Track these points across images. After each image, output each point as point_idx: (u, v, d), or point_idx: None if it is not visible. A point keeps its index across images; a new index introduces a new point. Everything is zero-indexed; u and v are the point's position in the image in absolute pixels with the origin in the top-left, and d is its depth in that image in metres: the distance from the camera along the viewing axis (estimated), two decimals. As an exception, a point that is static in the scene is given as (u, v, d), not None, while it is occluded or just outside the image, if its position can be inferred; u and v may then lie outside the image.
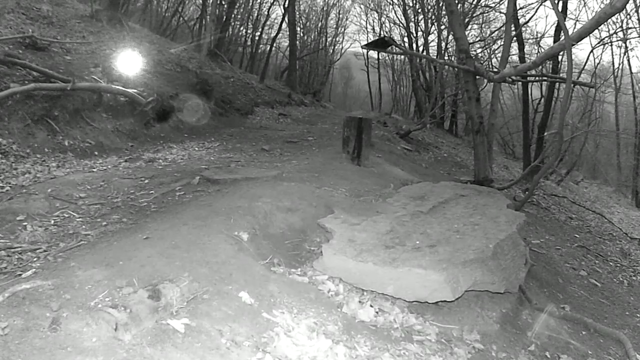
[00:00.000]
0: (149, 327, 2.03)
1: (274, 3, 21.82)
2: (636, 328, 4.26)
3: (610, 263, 6.55)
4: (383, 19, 23.37)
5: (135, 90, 7.73)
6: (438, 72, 16.54)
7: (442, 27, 17.44)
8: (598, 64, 17.33)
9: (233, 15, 19.39)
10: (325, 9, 25.59)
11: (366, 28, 25.54)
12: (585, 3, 14.79)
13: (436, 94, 15.25)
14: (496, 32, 16.07)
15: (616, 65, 17.71)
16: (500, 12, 14.68)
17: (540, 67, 12.78)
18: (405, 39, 20.66)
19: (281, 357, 2.07)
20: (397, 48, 9.37)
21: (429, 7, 18.64)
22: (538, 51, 15.21)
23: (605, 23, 12.99)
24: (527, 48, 15.27)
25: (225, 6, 17.90)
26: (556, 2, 10.24)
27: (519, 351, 2.87)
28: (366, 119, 6.09)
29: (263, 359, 2.03)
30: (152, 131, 7.83)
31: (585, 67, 16.63)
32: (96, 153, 6.42)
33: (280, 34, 21.57)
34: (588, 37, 8.10)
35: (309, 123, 11.94)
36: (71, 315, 2.03)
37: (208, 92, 10.22)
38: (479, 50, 16.67)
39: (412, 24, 20.21)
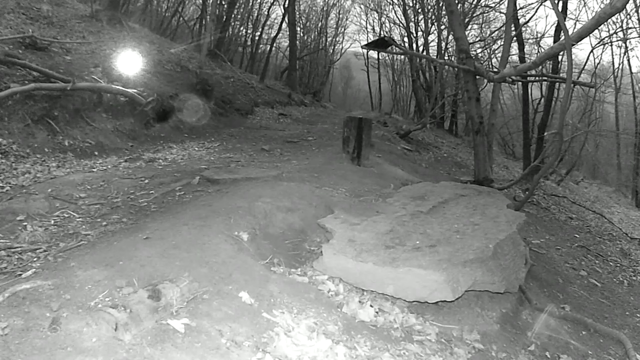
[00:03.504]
0: (149, 327, 2.03)
1: (274, 3, 21.86)
2: (636, 328, 4.26)
3: (610, 263, 6.54)
4: (383, 19, 23.39)
5: (135, 90, 7.73)
6: (438, 72, 16.54)
7: (442, 27, 17.44)
8: (598, 64, 17.34)
9: (233, 15, 19.39)
10: (325, 9, 25.61)
11: (366, 28, 25.57)
12: (585, 3, 14.79)
13: (436, 94, 15.25)
14: (496, 32, 16.08)
15: (616, 65, 17.73)
16: (500, 12, 14.69)
17: (540, 67, 12.77)
18: (405, 39, 20.67)
19: (281, 357, 2.07)
20: (397, 48, 9.37)
21: (429, 7, 18.64)
22: (538, 51, 15.21)
23: (605, 23, 12.99)
24: (527, 48, 15.28)
25: (225, 6, 17.91)
26: (556, 2, 10.24)
27: (519, 351, 2.87)
28: (366, 119, 6.09)
29: (263, 359, 2.03)
30: (152, 131, 7.83)
31: (585, 67, 16.65)
32: (96, 153, 6.42)
33: (280, 34, 21.60)
34: (588, 37, 8.10)
35: (309, 123, 11.94)
36: (71, 315, 2.03)
37: (208, 92, 10.22)
38: (479, 50, 16.68)
39: (412, 24, 20.22)
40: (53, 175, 5.09)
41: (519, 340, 3.01)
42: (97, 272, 2.42)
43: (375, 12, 23.83)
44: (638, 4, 13.20)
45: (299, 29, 23.13)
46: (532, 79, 12.24)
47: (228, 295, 2.40)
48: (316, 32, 25.87)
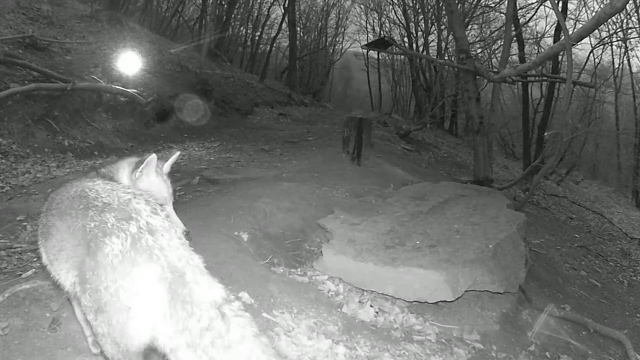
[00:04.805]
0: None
1: (274, 3, 21.84)
2: (636, 328, 4.26)
3: (610, 263, 6.54)
4: (383, 19, 23.35)
5: (135, 90, 7.73)
6: (438, 72, 16.53)
7: (442, 27, 17.43)
8: (598, 64, 17.32)
9: (233, 15, 19.39)
10: (325, 9, 25.57)
11: (366, 28, 25.51)
12: (585, 3, 14.73)
13: (436, 94, 15.24)
14: (496, 32, 16.07)
15: (616, 65, 17.69)
16: (500, 12, 14.68)
17: (540, 67, 12.77)
18: (405, 39, 20.66)
19: (281, 357, 2.07)
20: (397, 48, 9.37)
21: (429, 7, 18.63)
22: (538, 51, 15.22)
23: (605, 23, 12.99)
24: (527, 48, 15.29)
25: (225, 6, 17.91)
26: (556, 2, 10.24)
27: (519, 351, 2.86)
28: (366, 119, 6.08)
29: (263, 359, 2.02)
30: (152, 131, 7.83)
31: (585, 67, 16.63)
32: (96, 153, 6.42)
33: (280, 34, 21.58)
34: (588, 37, 8.10)
35: (309, 123, 11.93)
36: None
37: (208, 92, 10.22)
38: (479, 50, 16.67)
39: (412, 24, 20.20)
40: (53, 175, 5.09)
41: (519, 340, 3.00)
42: (97, 272, 2.41)
43: (375, 12, 23.82)
44: (638, 4, 13.19)
45: (299, 29, 23.11)
46: (532, 79, 12.24)
47: (228, 295, 2.40)
48: (316, 32, 25.84)
